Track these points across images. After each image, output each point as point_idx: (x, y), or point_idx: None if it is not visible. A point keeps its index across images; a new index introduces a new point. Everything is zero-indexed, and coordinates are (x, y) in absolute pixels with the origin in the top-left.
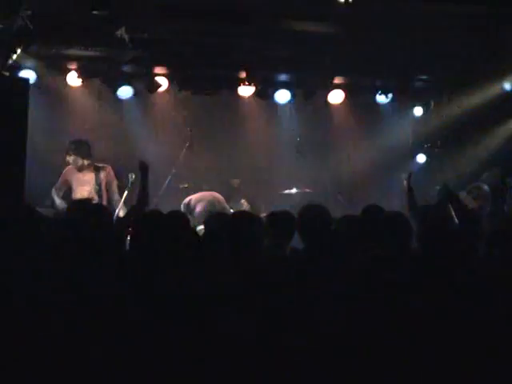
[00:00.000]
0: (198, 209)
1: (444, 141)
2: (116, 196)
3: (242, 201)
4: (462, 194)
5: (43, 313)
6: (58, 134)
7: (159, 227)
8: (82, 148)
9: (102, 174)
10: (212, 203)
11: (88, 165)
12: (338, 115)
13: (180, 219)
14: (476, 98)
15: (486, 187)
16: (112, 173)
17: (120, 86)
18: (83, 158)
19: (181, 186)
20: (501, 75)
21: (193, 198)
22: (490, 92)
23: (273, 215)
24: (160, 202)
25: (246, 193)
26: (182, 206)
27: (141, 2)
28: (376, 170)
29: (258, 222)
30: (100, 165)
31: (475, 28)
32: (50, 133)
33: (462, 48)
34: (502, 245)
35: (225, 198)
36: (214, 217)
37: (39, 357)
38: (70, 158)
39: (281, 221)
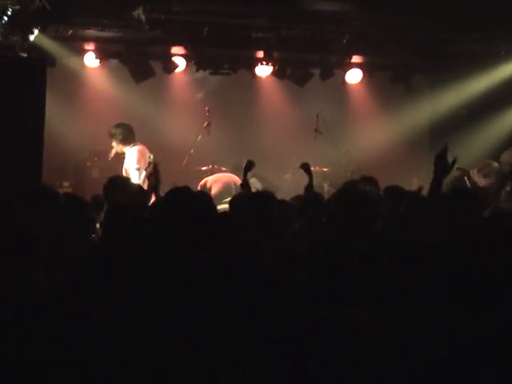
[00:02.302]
0: (214, 190)
1: (464, 120)
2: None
3: (253, 179)
4: (472, 172)
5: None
6: (74, 115)
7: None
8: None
9: (125, 158)
10: (228, 185)
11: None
12: (356, 94)
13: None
14: (494, 77)
15: (496, 164)
16: (134, 154)
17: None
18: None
19: (202, 168)
20: None
21: (209, 179)
22: (507, 70)
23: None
24: (178, 183)
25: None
26: (198, 187)
27: None
28: (394, 150)
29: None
30: (130, 146)
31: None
32: (67, 114)
33: (480, 24)
34: None
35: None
36: (238, 196)
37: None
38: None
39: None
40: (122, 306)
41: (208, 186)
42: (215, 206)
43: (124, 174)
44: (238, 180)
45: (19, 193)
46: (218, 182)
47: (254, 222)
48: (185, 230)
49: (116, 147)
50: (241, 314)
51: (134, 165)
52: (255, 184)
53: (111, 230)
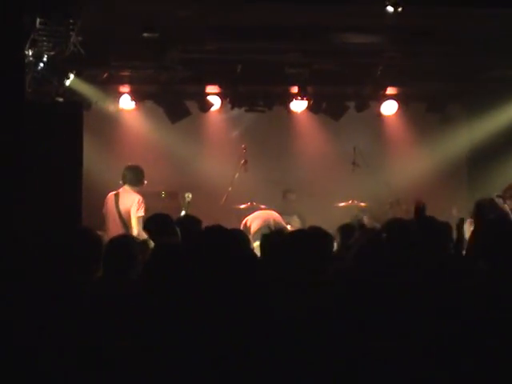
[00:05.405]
0: (253, 227)
1: (502, 147)
2: None
3: (295, 217)
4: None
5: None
6: (111, 158)
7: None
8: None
9: None
10: (267, 221)
11: None
12: (392, 125)
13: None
14: None
15: None
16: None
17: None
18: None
19: (241, 207)
20: None
21: (249, 217)
22: None
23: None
24: (217, 222)
25: (300, 207)
26: (241, 226)
27: (190, 22)
28: (433, 180)
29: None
30: None
31: None
32: (104, 157)
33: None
34: None
35: (279, 212)
36: (270, 235)
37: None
38: None
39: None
40: (159, 346)
41: (248, 224)
42: (250, 244)
43: None
44: (277, 216)
45: (61, 235)
46: (257, 219)
47: (290, 259)
48: (222, 269)
49: None
50: (280, 356)
51: None
52: (296, 221)
53: (153, 268)
